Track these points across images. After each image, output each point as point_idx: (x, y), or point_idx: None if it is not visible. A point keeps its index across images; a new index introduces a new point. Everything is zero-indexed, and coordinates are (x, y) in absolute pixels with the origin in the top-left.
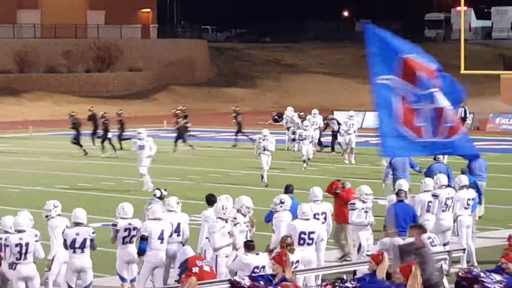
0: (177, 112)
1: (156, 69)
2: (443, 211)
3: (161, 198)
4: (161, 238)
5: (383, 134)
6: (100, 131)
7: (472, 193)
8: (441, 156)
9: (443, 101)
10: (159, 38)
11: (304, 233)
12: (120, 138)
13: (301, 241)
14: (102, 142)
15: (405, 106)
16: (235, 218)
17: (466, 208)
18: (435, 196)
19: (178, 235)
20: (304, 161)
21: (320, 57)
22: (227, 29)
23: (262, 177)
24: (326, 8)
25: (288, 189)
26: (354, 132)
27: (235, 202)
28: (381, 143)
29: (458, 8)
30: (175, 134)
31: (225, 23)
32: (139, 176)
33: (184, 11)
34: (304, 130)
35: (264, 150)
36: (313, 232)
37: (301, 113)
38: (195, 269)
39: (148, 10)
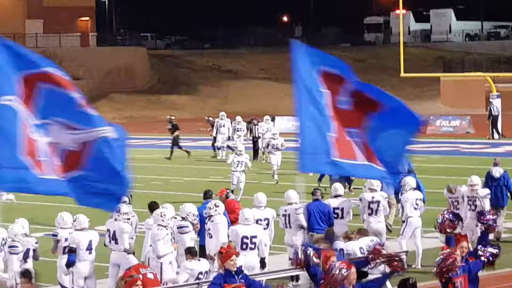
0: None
1: (96, 77)
2: (369, 214)
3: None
4: (89, 249)
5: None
6: None
7: (419, 194)
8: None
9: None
10: (98, 46)
11: (247, 237)
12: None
13: (244, 246)
14: None
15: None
16: (186, 227)
17: (415, 209)
18: (360, 200)
19: (116, 243)
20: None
21: (260, 63)
22: (166, 36)
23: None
24: (265, 13)
25: (206, 194)
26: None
27: (180, 210)
28: None
29: (397, 12)
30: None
31: (164, 30)
32: None
33: (123, 19)
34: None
35: (275, 149)
36: (255, 237)
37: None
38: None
39: (87, 18)
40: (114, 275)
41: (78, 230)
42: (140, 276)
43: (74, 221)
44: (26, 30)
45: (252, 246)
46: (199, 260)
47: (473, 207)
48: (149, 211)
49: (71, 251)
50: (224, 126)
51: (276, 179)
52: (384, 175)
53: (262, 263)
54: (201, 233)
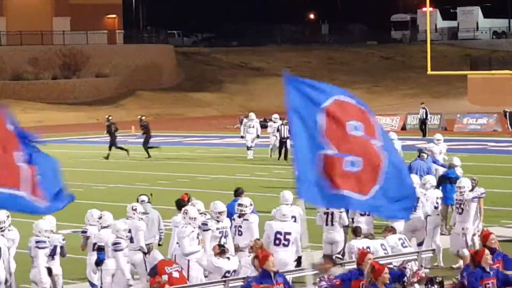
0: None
1: (123, 74)
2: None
3: (149, 202)
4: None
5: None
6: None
7: (439, 193)
8: (424, 155)
9: None
10: (125, 43)
11: (280, 233)
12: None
13: (277, 241)
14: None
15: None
16: (205, 224)
17: (436, 208)
18: None
19: (132, 242)
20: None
21: (286, 60)
22: (193, 34)
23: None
24: (292, 11)
25: (237, 192)
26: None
27: (210, 207)
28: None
29: (424, 9)
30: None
31: (191, 27)
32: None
33: (150, 16)
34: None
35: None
36: (289, 233)
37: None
38: (165, 277)
39: (114, 16)
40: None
41: (104, 227)
42: (166, 276)
43: (99, 218)
44: (54, 27)
45: (286, 242)
46: (228, 258)
47: (459, 211)
48: (176, 208)
49: (100, 249)
50: (253, 127)
51: None
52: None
53: (298, 262)
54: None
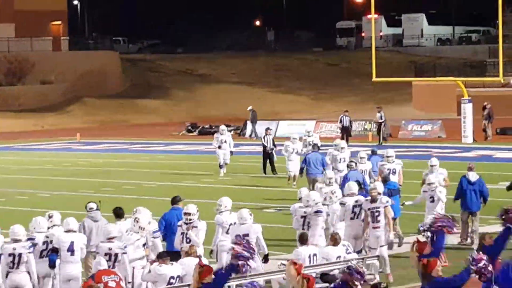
0: None
1: (68, 81)
2: (351, 218)
3: (98, 210)
4: (71, 250)
5: None
6: None
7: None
8: (353, 164)
9: None
10: (70, 50)
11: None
12: None
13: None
14: None
15: None
16: (156, 231)
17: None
18: (342, 204)
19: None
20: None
21: (232, 67)
22: (139, 41)
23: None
24: (238, 18)
25: (174, 200)
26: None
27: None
28: None
29: (369, 16)
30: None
31: (136, 34)
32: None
33: (95, 23)
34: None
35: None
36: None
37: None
38: (100, 285)
39: (59, 22)
40: None
41: (65, 231)
42: (102, 285)
43: (50, 217)
44: None
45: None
46: (171, 264)
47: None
48: (115, 217)
49: (54, 251)
50: (225, 141)
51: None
52: None
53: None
54: (169, 239)
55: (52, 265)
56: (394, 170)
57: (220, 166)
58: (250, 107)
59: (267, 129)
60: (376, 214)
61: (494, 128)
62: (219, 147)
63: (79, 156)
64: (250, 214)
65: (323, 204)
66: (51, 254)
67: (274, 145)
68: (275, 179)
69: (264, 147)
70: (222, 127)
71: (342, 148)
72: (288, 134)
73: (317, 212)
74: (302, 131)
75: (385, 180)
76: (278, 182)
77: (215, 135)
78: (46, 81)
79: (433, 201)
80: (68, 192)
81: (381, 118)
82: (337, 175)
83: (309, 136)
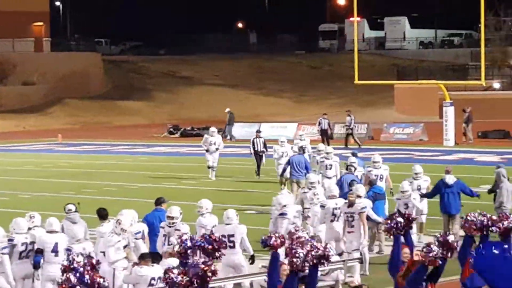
0: None
1: (50, 82)
2: (331, 221)
3: (76, 212)
4: (55, 251)
5: None
6: None
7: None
8: (352, 168)
9: None
10: (52, 51)
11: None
12: None
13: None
14: None
15: None
16: (138, 233)
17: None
18: (322, 206)
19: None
20: None
21: (214, 69)
22: (121, 42)
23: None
24: (220, 20)
25: (158, 201)
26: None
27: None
28: None
29: (352, 19)
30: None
31: (119, 36)
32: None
33: (77, 24)
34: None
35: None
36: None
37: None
38: None
39: (41, 23)
40: None
41: (47, 232)
42: None
43: (31, 217)
44: None
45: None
46: (152, 265)
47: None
48: (98, 218)
49: (38, 252)
50: (214, 143)
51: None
52: None
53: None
54: (151, 240)
55: (36, 266)
56: (381, 176)
57: (209, 167)
58: (228, 109)
59: (258, 131)
60: (351, 219)
61: (475, 131)
62: (207, 150)
63: (61, 157)
64: (237, 215)
65: (305, 208)
66: (35, 255)
67: (265, 147)
68: (258, 181)
69: (255, 149)
70: (212, 128)
71: (328, 153)
72: (270, 137)
73: (281, 214)
74: (284, 133)
75: (371, 184)
76: (261, 185)
77: (205, 136)
78: (28, 82)
79: (407, 208)
80: (49, 193)
81: (349, 122)
82: (325, 180)
83: (301, 140)
